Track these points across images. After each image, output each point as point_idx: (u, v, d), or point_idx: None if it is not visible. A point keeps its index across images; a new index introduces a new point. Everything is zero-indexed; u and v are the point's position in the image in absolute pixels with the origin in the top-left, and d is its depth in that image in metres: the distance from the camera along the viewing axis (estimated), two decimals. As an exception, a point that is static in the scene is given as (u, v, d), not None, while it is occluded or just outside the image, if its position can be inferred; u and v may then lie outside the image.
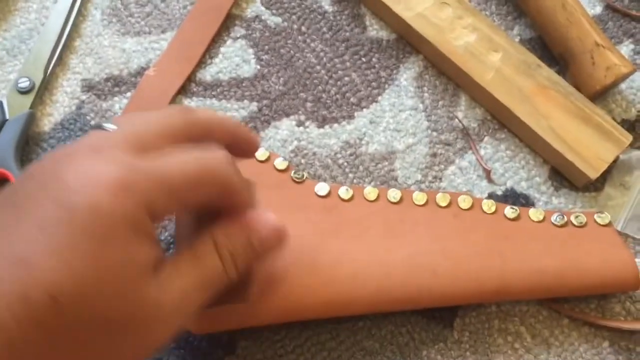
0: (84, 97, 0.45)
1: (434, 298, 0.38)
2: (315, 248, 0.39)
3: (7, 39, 0.47)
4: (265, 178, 0.42)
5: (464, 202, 0.42)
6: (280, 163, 0.42)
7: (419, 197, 0.42)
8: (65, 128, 0.44)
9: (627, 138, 0.43)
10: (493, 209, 0.41)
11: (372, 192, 0.42)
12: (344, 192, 0.41)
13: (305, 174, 0.42)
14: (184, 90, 0.46)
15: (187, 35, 0.47)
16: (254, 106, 0.46)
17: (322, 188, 0.41)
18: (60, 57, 0.46)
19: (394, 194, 0.42)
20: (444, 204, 0.41)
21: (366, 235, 0.40)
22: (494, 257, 0.39)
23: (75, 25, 0.47)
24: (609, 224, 0.41)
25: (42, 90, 0.45)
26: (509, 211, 0.41)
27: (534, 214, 0.41)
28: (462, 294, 0.38)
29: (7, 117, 0.43)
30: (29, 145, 0.43)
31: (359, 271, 0.38)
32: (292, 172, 0.42)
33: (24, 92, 0.44)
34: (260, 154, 0.43)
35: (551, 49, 0.47)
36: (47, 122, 0.44)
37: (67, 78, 0.46)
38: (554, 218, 0.41)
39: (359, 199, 0.42)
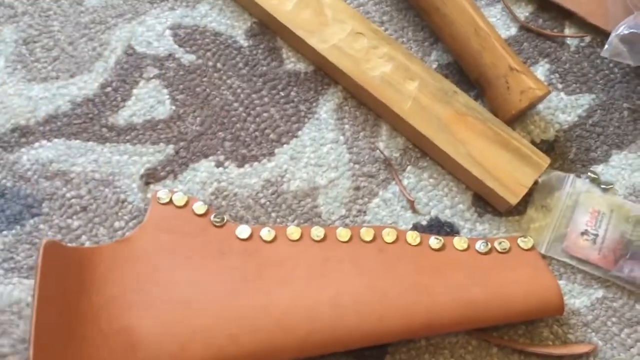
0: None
1: (363, 338, 0.37)
2: (238, 294, 0.38)
3: None
4: (184, 224, 0.41)
5: (388, 235, 0.41)
6: (199, 207, 0.41)
7: (343, 233, 0.41)
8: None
9: (545, 161, 0.44)
10: (418, 240, 0.41)
11: (295, 232, 0.41)
12: (266, 233, 0.41)
13: (226, 217, 0.41)
14: (95, 136, 0.44)
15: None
16: (170, 149, 0.44)
17: (243, 231, 0.40)
18: (-39, 109, 0.44)
19: (317, 232, 0.41)
20: (368, 238, 0.41)
21: (290, 278, 0.39)
22: (420, 291, 0.38)
23: (-23, 74, 0.45)
24: (532, 248, 0.42)
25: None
26: (434, 242, 0.41)
27: (458, 242, 0.41)
28: (391, 332, 0.38)
29: None
30: None
31: (285, 316, 0.37)
32: (212, 215, 0.41)
33: None
34: (179, 198, 0.41)
35: (467, 74, 0.47)
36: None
37: (-31, 131, 0.44)
38: (478, 245, 0.41)
39: (281, 240, 0.41)
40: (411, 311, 0.38)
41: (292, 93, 0.47)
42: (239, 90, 0.46)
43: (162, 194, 0.41)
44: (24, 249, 0.40)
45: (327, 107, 0.47)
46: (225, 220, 0.41)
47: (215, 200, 0.43)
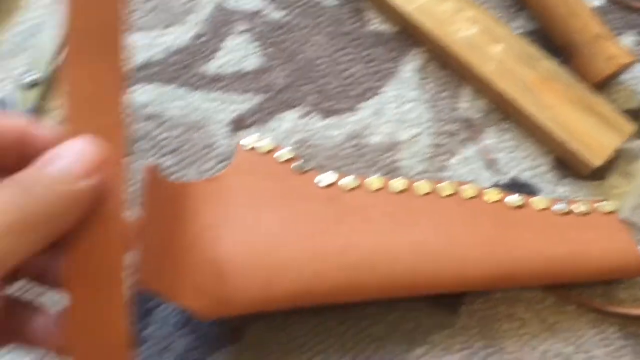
0: (89, 91, 0.45)
1: (439, 285, 0.38)
2: (321, 235, 0.39)
3: (14, 35, 0.47)
4: (268, 169, 0.42)
5: (468, 191, 0.42)
6: (283, 154, 0.43)
7: (422, 187, 0.42)
8: (70, 121, 0.44)
9: (630, 128, 0.43)
10: (497, 197, 0.42)
11: (375, 182, 0.42)
12: (347, 182, 0.42)
13: (308, 166, 0.42)
14: (187, 84, 0.46)
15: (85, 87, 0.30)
16: (257, 99, 0.46)
17: (324, 179, 0.42)
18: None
19: (397, 184, 0.42)
20: (447, 193, 0.42)
21: (370, 224, 0.40)
22: (498, 245, 0.39)
23: (80, 20, 0.47)
24: (613, 212, 0.42)
25: (48, 84, 0.45)
26: (513, 199, 0.41)
27: (538, 202, 0.42)
28: (468, 281, 0.38)
29: (15, 111, 0.43)
30: (34, 137, 0.43)
31: (366, 258, 0.38)
32: (295, 163, 0.42)
33: (31, 86, 0.44)
34: (263, 145, 0.43)
35: (553, 41, 0.47)
36: (55, 116, 0.44)
37: (72, 72, 0.46)
38: (557, 206, 0.41)
39: (361, 189, 0.42)
40: (489, 262, 0.38)
41: (376, 52, 0.48)
42: (325, 47, 0.48)
43: (249, 139, 0.43)
44: (119, 183, 0.42)
45: (410, 67, 0.47)
46: (308, 168, 0.42)
47: (298, 149, 0.44)
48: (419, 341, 0.39)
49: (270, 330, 0.39)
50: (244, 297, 0.36)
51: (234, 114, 0.45)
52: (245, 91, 0.46)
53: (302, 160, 0.43)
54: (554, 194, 0.43)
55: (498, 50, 0.46)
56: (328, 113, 0.46)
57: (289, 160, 0.42)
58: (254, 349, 0.38)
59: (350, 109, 0.46)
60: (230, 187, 0.41)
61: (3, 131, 0.25)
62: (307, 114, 0.45)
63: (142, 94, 0.45)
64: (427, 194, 0.42)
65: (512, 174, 0.44)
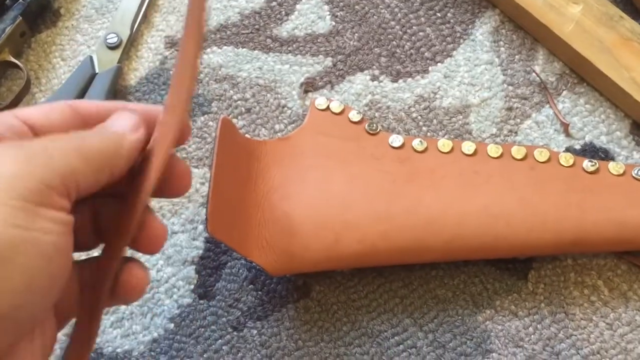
0: (167, 53, 0.47)
1: (509, 248, 0.38)
2: (390, 195, 0.39)
3: (95, -1, 0.49)
4: (340, 129, 0.43)
5: (541, 155, 0.41)
6: (354, 115, 0.43)
7: (494, 150, 0.41)
8: (150, 82, 0.46)
9: None
10: (571, 162, 0.41)
11: (446, 144, 0.42)
12: (418, 143, 0.42)
13: (379, 127, 0.43)
14: (260, 46, 0.47)
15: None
16: (328, 61, 0.46)
17: (395, 139, 0.42)
18: (145, 15, 0.48)
19: (468, 146, 0.41)
20: (519, 156, 0.41)
21: (440, 185, 0.40)
22: (571, 209, 0.38)
23: (158, -15, 0.49)
24: None
25: (129, 46, 0.47)
26: (588, 164, 0.40)
27: (614, 167, 0.40)
28: (538, 245, 0.38)
29: (97, 71, 0.45)
30: (116, 97, 0.45)
31: (434, 219, 0.38)
32: (367, 124, 0.43)
33: (112, 47, 0.46)
34: (336, 106, 0.43)
35: (634, 2, 0.45)
36: (133, 77, 0.46)
37: (151, 35, 0.48)
38: (635, 172, 0.40)
39: (432, 151, 0.42)
40: (560, 226, 0.38)
41: (449, 14, 0.47)
42: (396, 10, 0.48)
43: (321, 100, 0.44)
44: (194, 142, 0.44)
45: (483, 29, 0.47)
46: (378, 129, 0.42)
47: (369, 111, 0.45)
48: (485, 305, 0.39)
49: (335, 290, 0.40)
50: (311, 255, 0.37)
51: (305, 76, 0.46)
52: (317, 53, 0.47)
53: (373, 122, 0.43)
54: (631, 160, 0.42)
55: (576, 11, 0.44)
56: (398, 75, 0.46)
57: (361, 121, 0.43)
58: (320, 306, 0.39)
59: (421, 71, 0.46)
60: (302, 146, 0.42)
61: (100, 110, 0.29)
62: (377, 76, 0.46)
63: (217, 56, 0.47)
64: (499, 156, 0.41)
65: (587, 139, 0.43)
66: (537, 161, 0.41)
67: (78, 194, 0.25)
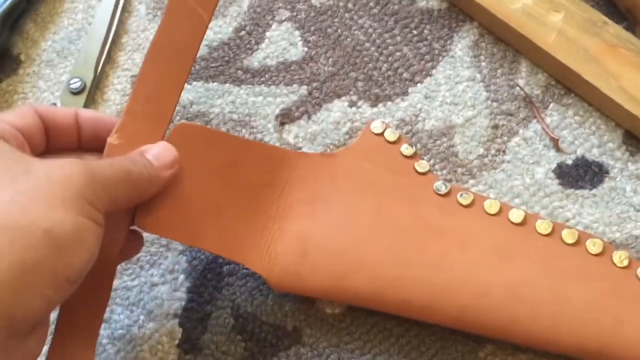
0: (134, 94, 0.45)
1: (531, 337, 0.35)
2: (414, 242, 0.37)
3: (56, 41, 0.47)
4: (388, 161, 0.40)
5: (594, 246, 0.37)
6: (406, 149, 0.40)
7: (544, 226, 0.37)
8: (118, 126, 0.44)
9: None
10: (626, 262, 0.36)
11: (494, 205, 0.38)
12: (463, 197, 0.38)
13: (430, 167, 0.40)
14: (231, 79, 0.45)
15: (151, 85, 0.36)
16: (303, 90, 0.44)
17: (441, 187, 0.39)
18: (108, 55, 0.46)
19: (516, 214, 0.38)
20: (570, 241, 0.37)
21: (473, 248, 0.37)
22: (607, 315, 0.34)
23: (121, 22, 0.47)
24: None
25: (94, 90, 0.45)
26: None
27: None
28: (556, 342, 0.34)
29: (62, 118, 0.43)
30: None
31: (452, 281, 0.35)
32: (416, 162, 0.40)
33: (76, 92, 0.44)
34: (391, 133, 0.41)
35: (617, 5, 0.44)
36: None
37: (117, 75, 0.46)
38: None
39: (478, 209, 0.38)
40: (591, 330, 0.34)
41: (425, 31, 0.45)
42: (370, 30, 0.46)
43: (377, 124, 0.41)
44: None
45: (462, 44, 0.45)
46: (427, 170, 0.40)
47: (349, 140, 0.43)
48: (486, 340, 0.37)
49: (327, 332, 0.38)
50: (318, 282, 0.36)
51: (281, 107, 0.44)
52: (291, 82, 0.45)
53: (424, 160, 0.40)
54: (626, 172, 0.40)
55: (558, 19, 0.43)
56: (377, 100, 0.44)
57: (413, 157, 0.40)
58: (312, 351, 0.37)
59: (401, 93, 0.44)
60: (344, 168, 0.40)
61: (58, 117, 0.34)
62: (355, 102, 0.44)
63: (187, 93, 0.45)
64: (547, 234, 0.37)
65: (579, 152, 0.41)
66: (588, 252, 0.37)
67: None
